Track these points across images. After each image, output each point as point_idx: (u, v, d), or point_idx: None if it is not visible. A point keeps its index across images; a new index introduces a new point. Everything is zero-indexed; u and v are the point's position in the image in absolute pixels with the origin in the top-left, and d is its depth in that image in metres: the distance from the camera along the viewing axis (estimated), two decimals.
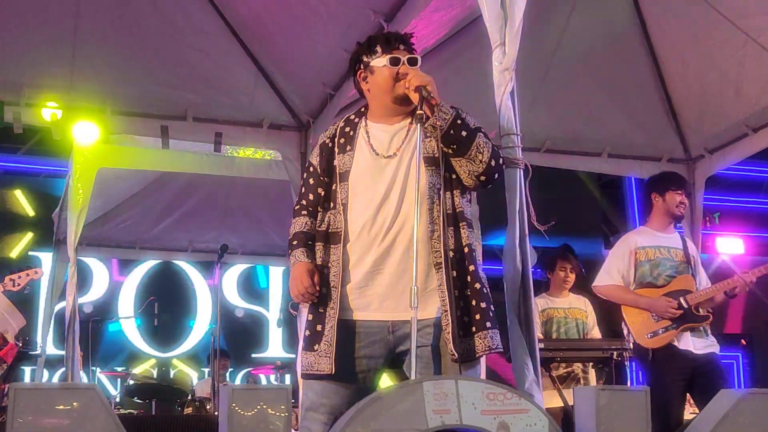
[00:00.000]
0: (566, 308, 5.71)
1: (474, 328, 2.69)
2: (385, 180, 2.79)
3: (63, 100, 5.62)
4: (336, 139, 2.91)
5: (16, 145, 9.78)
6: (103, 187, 7.04)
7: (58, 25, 5.29)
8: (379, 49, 2.89)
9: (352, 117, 2.98)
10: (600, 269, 4.96)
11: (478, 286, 2.73)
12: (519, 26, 3.38)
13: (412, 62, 2.85)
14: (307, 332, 2.79)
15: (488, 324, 2.70)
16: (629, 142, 6.49)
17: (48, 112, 5.56)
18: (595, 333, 5.71)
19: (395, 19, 4.61)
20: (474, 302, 2.71)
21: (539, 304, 5.63)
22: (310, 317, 2.80)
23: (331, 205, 2.84)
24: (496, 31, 3.40)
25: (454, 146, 2.73)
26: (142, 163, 6.84)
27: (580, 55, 5.79)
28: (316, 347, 2.74)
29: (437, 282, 2.69)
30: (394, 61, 2.84)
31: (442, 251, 2.69)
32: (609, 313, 5.55)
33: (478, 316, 2.70)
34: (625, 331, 4.82)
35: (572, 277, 5.78)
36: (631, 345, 4.73)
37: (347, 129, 2.93)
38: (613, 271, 4.81)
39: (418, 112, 2.70)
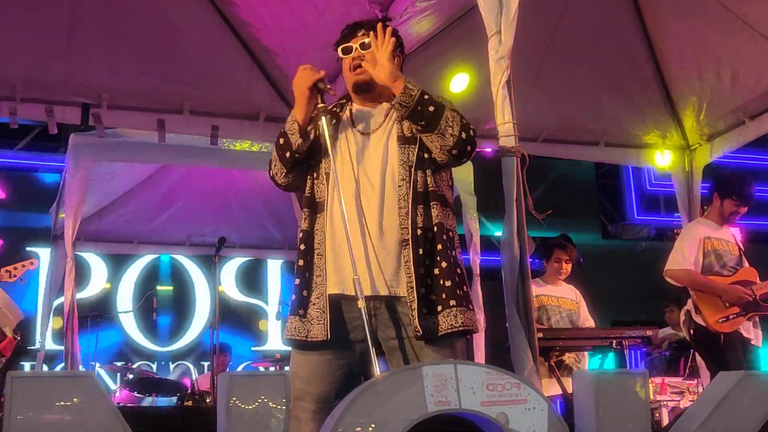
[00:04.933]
0: (558, 297, 5.71)
1: (439, 307, 2.69)
2: (362, 156, 2.83)
3: (58, 95, 5.60)
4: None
5: (12, 141, 9.77)
6: (99, 182, 7.04)
7: (52, 19, 5.27)
8: (342, 40, 2.95)
9: (342, 100, 3.03)
10: (670, 253, 5.07)
11: (445, 264, 2.72)
12: (515, 15, 3.38)
13: (363, 47, 2.87)
14: (294, 296, 2.80)
15: (452, 302, 2.69)
16: (626, 131, 6.49)
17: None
18: (590, 323, 5.72)
19: (390, 9, 4.60)
20: (441, 281, 2.70)
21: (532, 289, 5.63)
22: (297, 281, 2.81)
23: (315, 174, 2.87)
24: (492, 19, 3.40)
25: (423, 122, 2.75)
26: (139, 157, 6.82)
27: (577, 43, 5.79)
28: (301, 311, 2.75)
29: (404, 259, 2.70)
30: (346, 51, 2.90)
31: (410, 228, 2.70)
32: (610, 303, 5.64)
33: (443, 295, 2.69)
34: (684, 318, 4.97)
35: (567, 267, 5.77)
36: (692, 331, 4.87)
37: (334, 109, 2.97)
38: (687, 255, 4.93)
39: (394, 102, 2.75)
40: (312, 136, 2.85)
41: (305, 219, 2.85)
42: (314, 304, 2.73)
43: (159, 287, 9.96)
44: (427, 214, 2.77)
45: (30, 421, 1.52)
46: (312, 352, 2.75)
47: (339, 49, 2.92)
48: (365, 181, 2.78)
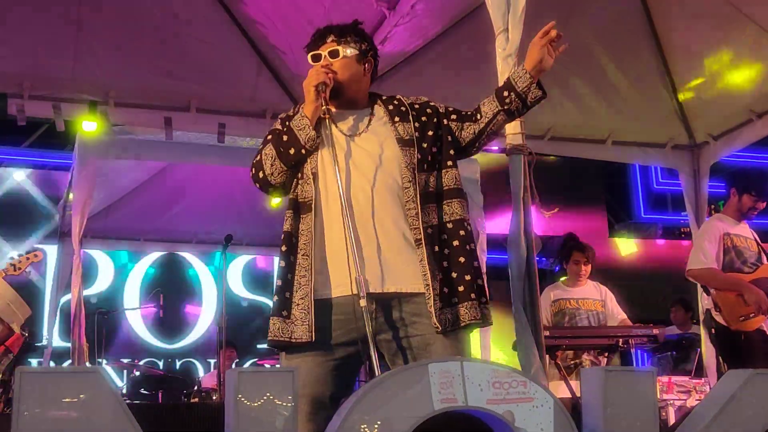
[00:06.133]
0: (579, 299, 5.67)
1: (455, 299, 2.68)
2: (355, 158, 2.79)
3: (66, 92, 5.62)
4: None
5: (20, 138, 9.79)
6: (106, 179, 7.04)
7: (60, 17, 5.29)
8: (312, 45, 2.93)
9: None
10: (691, 253, 5.05)
11: (462, 260, 2.72)
12: (522, 12, 3.39)
13: (332, 54, 2.85)
14: (275, 298, 2.75)
15: (472, 296, 2.70)
16: (633, 129, 6.47)
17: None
18: (621, 317, 5.67)
19: (398, 7, 4.60)
20: (455, 275, 2.70)
21: (552, 294, 5.62)
22: (279, 283, 2.75)
23: (300, 175, 2.82)
24: (499, 17, 3.41)
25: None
26: (146, 155, 6.83)
27: (584, 40, 5.77)
28: (284, 313, 2.71)
29: (419, 257, 2.68)
30: (315, 59, 2.88)
31: (421, 228, 2.70)
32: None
33: (461, 288, 2.70)
34: (703, 317, 4.96)
35: (587, 269, 5.74)
36: (713, 330, 4.85)
37: None
38: (709, 253, 4.90)
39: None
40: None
41: (288, 220, 2.79)
42: (298, 305, 2.69)
43: (165, 284, 9.97)
44: (439, 212, 2.77)
45: (38, 417, 1.53)
46: (303, 354, 2.70)
47: (309, 56, 2.90)
48: (362, 182, 2.75)
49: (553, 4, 5.40)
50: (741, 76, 5.78)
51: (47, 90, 5.60)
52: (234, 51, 5.71)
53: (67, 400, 1.54)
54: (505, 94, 2.85)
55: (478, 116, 2.89)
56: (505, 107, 2.84)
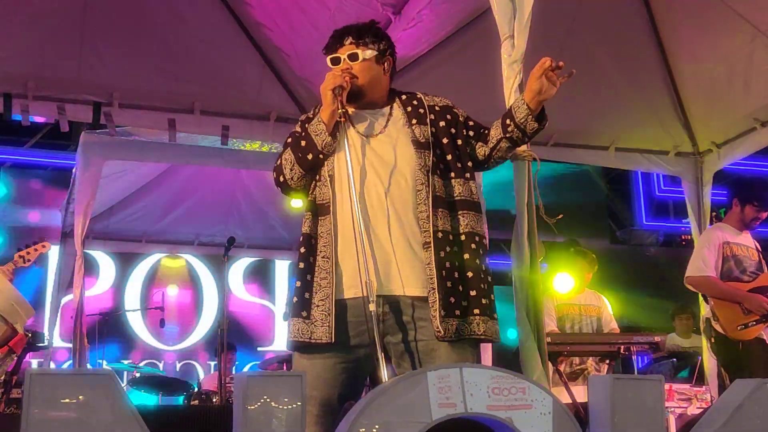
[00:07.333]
0: (580, 305, 5.68)
1: (459, 312, 2.68)
2: (371, 159, 2.80)
3: (70, 93, 5.63)
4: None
5: (23, 138, 9.80)
6: (109, 180, 7.06)
7: (65, 18, 5.30)
8: (330, 47, 2.92)
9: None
10: (689, 261, 5.07)
11: (470, 274, 2.72)
12: (528, 19, 3.39)
13: (352, 58, 2.85)
14: (295, 299, 2.77)
15: (476, 311, 2.70)
16: (637, 136, 6.47)
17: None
18: (614, 325, 5.69)
19: (403, 11, 4.60)
20: (461, 287, 2.70)
21: (554, 299, 5.62)
22: (298, 284, 2.78)
23: (317, 177, 2.84)
24: (505, 23, 3.41)
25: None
26: (149, 156, 6.84)
27: (589, 47, 5.77)
28: (304, 313, 2.72)
29: (426, 261, 2.69)
30: (334, 62, 2.88)
31: (431, 231, 2.70)
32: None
33: (465, 303, 2.70)
34: (703, 325, 4.97)
35: (587, 277, 5.76)
36: (712, 339, 4.84)
37: None
38: (708, 261, 4.93)
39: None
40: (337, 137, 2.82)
41: (306, 222, 2.83)
42: (318, 306, 2.71)
43: (166, 286, 9.97)
44: (453, 222, 2.76)
45: (48, 419, 1.53)
46: (316, 355, 2.72)
47: (328, 59, 2.90)
48: (376, 184, 2.76)
49: (557, 11, 5.42)
50: (745, 85, 5.78)
51: (52, 91, 5.62)
52: (238, 53, 5.72)
53: (76, 402, 1.54)
54: (507, 122, 2.85)
55: (488, 138, 2.90)
56: (507, 135, 2.85)
